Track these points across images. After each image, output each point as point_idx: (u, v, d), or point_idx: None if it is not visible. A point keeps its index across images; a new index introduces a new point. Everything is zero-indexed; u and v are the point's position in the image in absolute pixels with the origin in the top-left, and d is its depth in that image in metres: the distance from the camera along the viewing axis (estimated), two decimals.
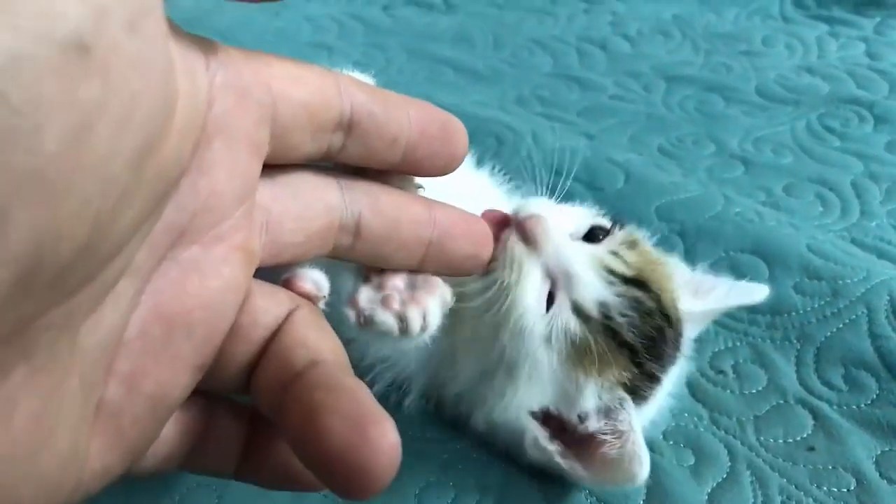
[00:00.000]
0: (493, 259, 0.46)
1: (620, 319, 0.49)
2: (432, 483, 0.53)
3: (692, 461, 0.54)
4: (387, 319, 0.39)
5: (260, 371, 0.31)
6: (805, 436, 0.56)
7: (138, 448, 0.28)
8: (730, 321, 0.64)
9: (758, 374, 0.61)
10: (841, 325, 0.62)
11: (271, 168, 0.32)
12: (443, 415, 0.56)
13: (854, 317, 0.62)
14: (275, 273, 0.35)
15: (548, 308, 0.49)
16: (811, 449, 0.55)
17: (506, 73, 1.10)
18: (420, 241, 0.37)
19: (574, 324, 0.49)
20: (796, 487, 0.52)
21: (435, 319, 0.41)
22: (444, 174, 0.38)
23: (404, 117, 0.35)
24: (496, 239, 0.46)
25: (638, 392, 0.50)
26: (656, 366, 0.51)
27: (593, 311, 0.49)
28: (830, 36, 1.16)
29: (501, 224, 0.49)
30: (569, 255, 0.50)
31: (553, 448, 0.50)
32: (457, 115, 0.38)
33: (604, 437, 0.48)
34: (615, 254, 0.52)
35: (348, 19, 1.28)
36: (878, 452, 0.54)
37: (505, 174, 0.68)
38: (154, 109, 0.22)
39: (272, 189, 0.32)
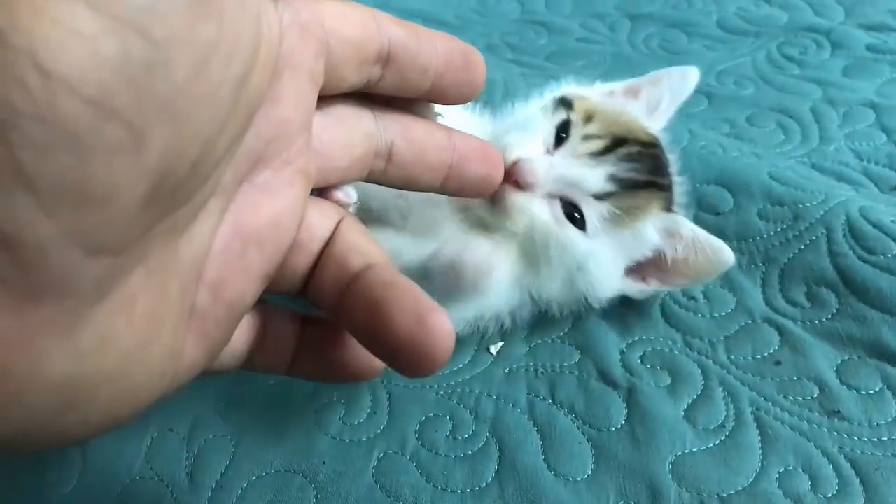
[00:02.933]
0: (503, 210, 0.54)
1: (629, 174, 0.56)
2: (430, 417, 0.57)
3: (668, 381, 0.59)
4: None
5: (319, 275, 0.35)
6: (772, 351, 0.60)
7: (218, 347, 0.32)
8: None
9: (726, 297, 0.65)
10: (802, 247, 0.66)
11: (319, 99, 0.35)
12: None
13: (814, 237, 0.66)
14: None
15: (572, 217, 0.56)
16: (778, 363, 0.59)
17: (475, 22, 1.12)
18: (443, 165, 0.41)
19: (601, 207, 0.56)
20: (765, 399, 0.57)
21: None
22: (466, 101, 0.42)
23: (432, 49, 0.38)
24: None
25: (671, 204, 0.60)
26: (667, 178, 0.61)
27: (609, 187, 0.55)
28: None
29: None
30: (562, 172, 0.55)
31: (653, 288, 0.60)
32: None
33: (682, 251, 0.58)
34: (587, 137, 0.57)
35: None
36: (839, 362, 0.59)
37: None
38: (250, 45, 0.26)
39: (321, 118, 0.36)
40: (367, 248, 0.36)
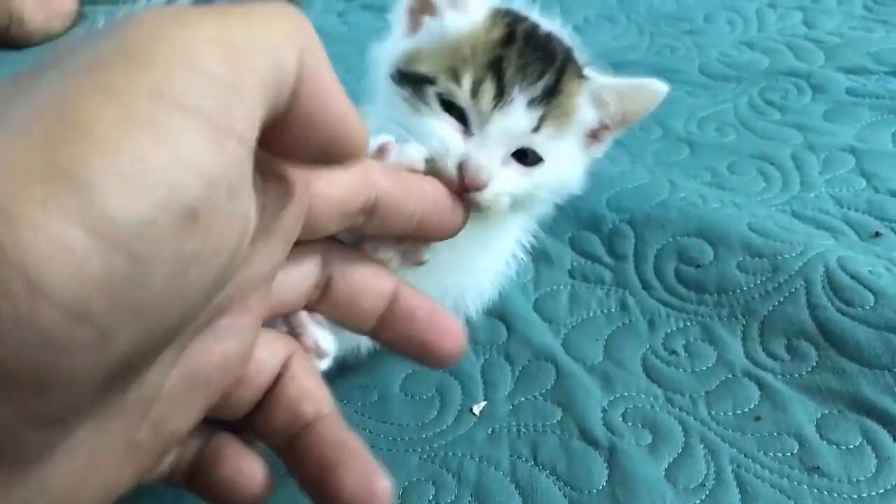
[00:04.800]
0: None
1: (537, 88, 0.52)
2: (413, 482, 0.58)
3: (649, 440, 0.59)
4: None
5: (268, 415, 0.36)
6: (752, 406, 0.61)
7: (148, 471, 0.33)
8: (679, 303, 0.69)
9: (707, 351, 0.65)
10: (782, 299, 0.66)
11: None
12: None
13: (793, 290, 0.66)
14: None
15: (528, 161, 0.54)
16: (758, 419, 0.60)
17: None
18: (375, 313, 0.40)
19: (544, 132, 0.53)
20: (745, 456, 0.57)
21: None
22: (449, 237, 0.42)
23: (420, 195, 0.39)
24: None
25: (581, 72, 0.57)
26: (559, 50, 0.56)
27: (537, 112, 0.52)
28: (769, 7, 1.20)
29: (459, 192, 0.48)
30: (495, 144, 0.51)
31: (612, 137, 0.61)
32: None
33: (616, 109, 0.58)
34: (473, 93, 0.51)
35: None
36: (819, 416, 0.59)
37: None
38: (232, 252, 0.26)
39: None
40: (318, 395, 0.36)
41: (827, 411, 0.60)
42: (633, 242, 0.75)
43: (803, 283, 0.66)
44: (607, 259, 0.75)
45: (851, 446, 0.57)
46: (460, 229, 0.42)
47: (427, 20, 0.57)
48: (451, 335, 0.39)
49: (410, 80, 0.53)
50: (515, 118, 0.51)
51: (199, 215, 0.23)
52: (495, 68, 0.52)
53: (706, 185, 0.83)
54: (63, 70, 0.23)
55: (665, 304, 0.69)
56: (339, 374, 0.65)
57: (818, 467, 0.56)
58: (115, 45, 0.23)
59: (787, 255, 0.69)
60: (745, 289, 0.68)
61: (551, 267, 0.74)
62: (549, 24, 0.59)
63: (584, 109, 0.56)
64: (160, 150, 0.22)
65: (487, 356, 0.66)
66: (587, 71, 0.58)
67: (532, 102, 0.52)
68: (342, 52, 1.23)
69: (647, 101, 0.59)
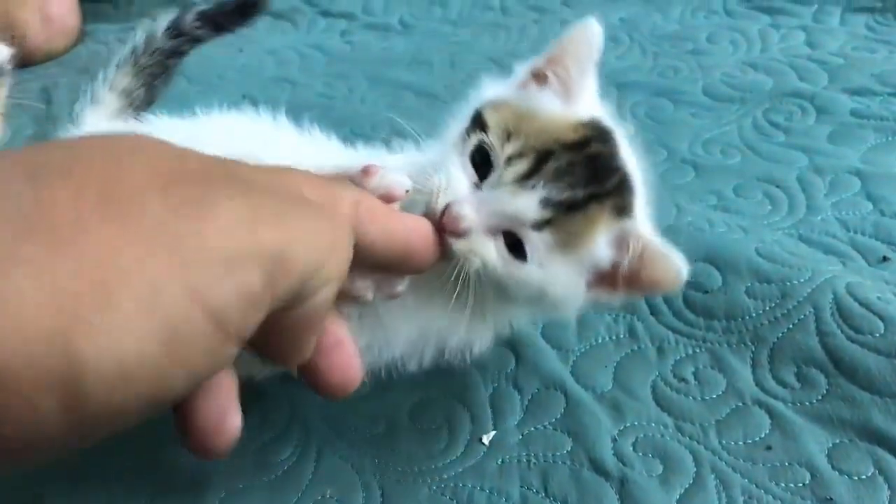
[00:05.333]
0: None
1: (564, 195, 0.51)
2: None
3: (660, 470, 0.59)
4: None
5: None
6: (763, 435, 0.60)
7: None
8: (688, 329, 0.69)
9: (717, 378, 0.65)
10: (791, 326, 0.66)
11: None
12: None
13: (802, 316, 0.66)
14: None
15: (520, 250, 0.52)
16: (769, 448, 0.59)
17: (465, 95, 1.13)
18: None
19: (544, 236, 0.51)
20: (757, 486, 0.57)
21: None
22: (419, 273, 0.46)
23: (404, 240, 0.43)
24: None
25: (623, 206, 0.54)
26: (613, 177, 0.53)
27: (546, 214, 0.51)
28: (772, 27, 1.21)
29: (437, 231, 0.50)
30: (491, 210, 0.51)
31: (618, 296, 0.55)
32: None
33: (638, 263, 0.53)
34: (509, 160, 0.52)
35: (309, 49, 1.32)
36: (830, 445, 0.59)
37: None
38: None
39: None
40: None
41: (838, 440, 0.59)
42: None
43: (812, 309, 0.66)
44: None
45: (864, 476, 0.57)
46: (430, 266, 0.45)
47: (534, 86, 0.58)
48: (348, 370, 0.42)
49: (475, 120, 0.55)
50: (523, 203, 0.51)
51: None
52: (542, 156, 0.51)
53: (712, 208, 0.83)
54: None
55: (674, 330, 0.69)
56: (347, 403, 0.64)
57: (831, 499, 0.56)
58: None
59: (795, 281, 0.68)
60: (754, 315, 0.68)
61: None
62: (632, 158, 0.58)
63: (600, 242, 0.53)
64: (162, 349, 0.26)
65: (496, 384, 0.66)
66: (633, 216, 0.55)
67: (547, 202, 0.50)
68: (345, 71, 1.24)
69: (663, 273, 0.53)
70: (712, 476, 0.58)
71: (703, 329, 0.69)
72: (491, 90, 0.60)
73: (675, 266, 0.52)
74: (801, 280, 0.68)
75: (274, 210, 0.31)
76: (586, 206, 0.52)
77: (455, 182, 0.52)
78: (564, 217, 0.51)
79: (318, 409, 0.65)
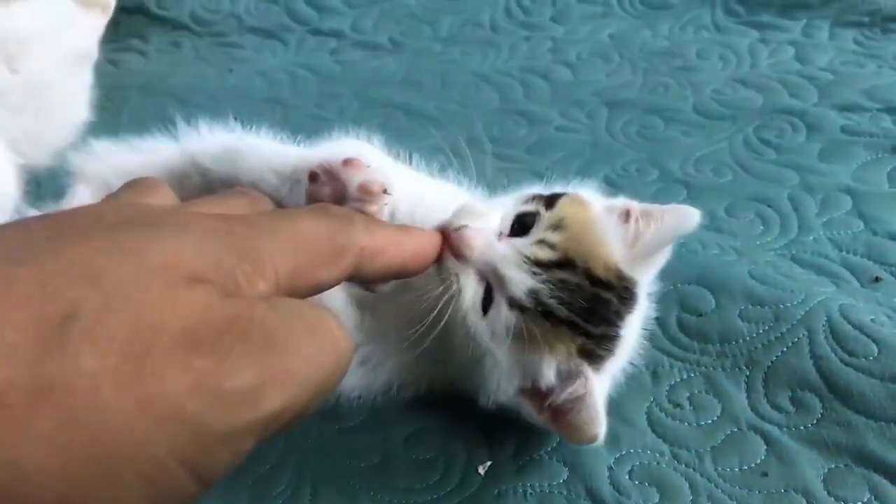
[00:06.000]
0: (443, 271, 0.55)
1: (551, 301, 0.54)
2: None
3: (657, 499, 0.59)
4: None
5: None
6: (759, 462, 0.60)
7: None
8: (682, 353, 0.69)
9: (712, 403, 0.65)
10: (785, 349, 0.66)
11: None
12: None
13: (796, 339, 0.66)
14: None
15: (488, 308, 0.55)
16: (765, 475, 0.59)
17: (456, 113, 1.13)
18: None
19: (511, 317, 0.54)
20: None
21: None
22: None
23: (399, 253, 0.43)
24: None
25: (595, 354, 0.56)
26: (604, 327, 0.56)
27: (526, 301, 0.54)
28: (761, 42, 1.21)
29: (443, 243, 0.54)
30: (494, 259, 0.55)
31: (541, 420, 0.57)
32: None
33: (571, 405, 0.55)
34: (541, 241, 0.56)
35: (300, 69, 1.31)
36: (825, 471, 0.59)
37: None
38: None
39: None
40: None
41: (833, 465, 0.59)
42: None
43: (806, 332, 0.66)
44: None
45: (860, 503, 0.57)
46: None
47: (616, 218, 0.60)
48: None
49: (551, 198, 0.60)
50: (519, 278, 0.54)
51: None
52: (566, 262, 0.55)
53: (705, 228, 0.83)
54: None
55: (668, 354, 0.69)
56: (341, 433, 0.64)
57: None
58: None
59: (788, 304, 0.68)
60: (748, 338, 0.68)
61: None
62: (633, 336, 0.61)
63: (551, 362, 0.55)
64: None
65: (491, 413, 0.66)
66: (597, 370, 0.56)
67: (533, 294, 0.54)
68: (335, 91, 1.24)
69: (585, 426, 0.55)
70: None
71: (698, 353, 0.69)
72: (586, 190, 0.64)
73: (597, 428, 0.54)
74: (795, 303, 0.68)
75: (280, 366, 0.30)
76: (559, 326, 0.54)
77: (489, 218, 0.56)
78: (538, 318, 0.54)
79: (313, 441, 0.64)
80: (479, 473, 0.61)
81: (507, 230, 0.57)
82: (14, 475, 0.23)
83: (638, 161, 0.96)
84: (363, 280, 0.41)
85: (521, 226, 0.57)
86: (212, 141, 0.68)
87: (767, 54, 1.18)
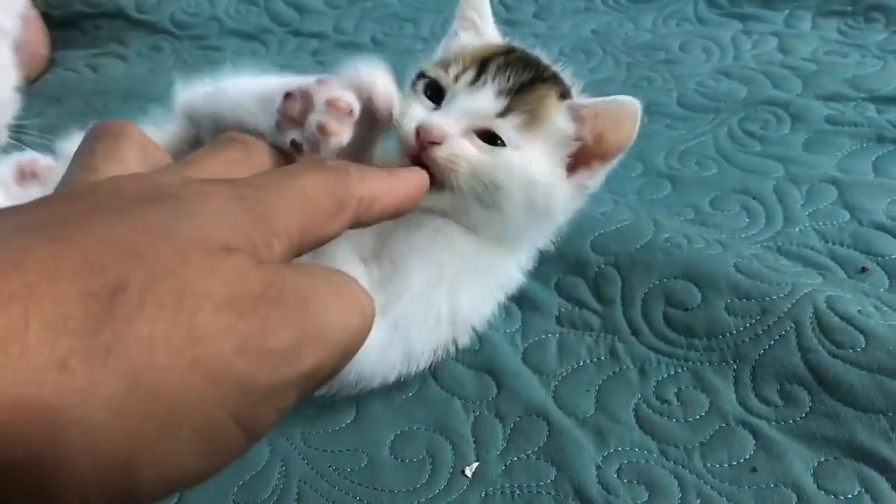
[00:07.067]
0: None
1: (511, 83, 0.61)
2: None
3: (646, 497, 0.58)
4: None
5: None
6: (748, 457, 0.60)
7: None
8: (669, 348, 0.68)
9: (700, 399, 0.65)
10: (772, 342, 0.66)
11: None
12: None
13: (783, 332, 0.66)
14: None
15: (494, 144, 0.60)
16: (754, 469, 0.59)
17: None
18: None
19: (509, 122, 0.60)
20: None
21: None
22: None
23: (395, 195, 0.44)
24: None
25: (567, 95, 0.65)
26: (547, 69, 0.66)
27: (503, 102, 0.60)
28: (744, 34, 1.21)
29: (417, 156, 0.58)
30: (458, 113, 0.60)
31: (597, 173, 0.65)
32: None
33: (593, 128, 0.62)
34: (456, 78, 0.61)
35: (281, 71, 1.30)
36: (815, 464, 0.59)
37: None
38: None
39: None
40: None
41: (823, 459, 0.59)
42: (620, 286, 0.74)
43: (793, 325, 0.66)
44: (595, 304, 0.74)
45: (850, 496, 0.56)
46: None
47: (457, 35, 0.70)
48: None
49: (419, 75, 0.64)
50: (481, 100, 0.60)
51: None
52: (482, 63, 0.61)
53: (689, 222, 0.82)
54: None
55: (655, 349, 0.69)
56: (326, 437, 0.64)
57: None
58: None
59: (775, 297, 0.68)
60: (735, 332, 0.67)
61: (538, 314, 0.73)
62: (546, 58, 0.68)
63: (558, 116, 0.62)
64: (205, 463, 0.29)
65: (477, 413, 0.65)
66: (574, 93, 0.66)
67: (502, 92, 0.60)
68: None
69: (623, 121, 0.61)
70: (698, 501, 0.57)
71: (685, 348, 0.68)
72: (423, 63, 0.68)
73: (627, 108, 0.61)
74: (781, 295, 0.68)
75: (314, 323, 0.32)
76: (533, 86, 0.61)
77: (416, 111, 0.60)
78: (520, 99, 0.60)
79: (298, 445, 0.63)
80: (466, 476, 0.61)
81: (430, 106, 0.62)
82: (82, 433, 0.25)
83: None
84: (360, 226, 0.43)
85: (433, 94, 0.63)
86: (200, 89, 0.68)
87: (750, 45, 1.17)
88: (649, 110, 1.03)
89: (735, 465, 0.59)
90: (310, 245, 0.37)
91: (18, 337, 0.25)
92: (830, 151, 0.91)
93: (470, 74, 0.61)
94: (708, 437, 0.62)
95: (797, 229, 0.80)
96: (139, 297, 0.27)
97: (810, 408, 0.62)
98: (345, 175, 0.40)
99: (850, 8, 1.20)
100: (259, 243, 0.33)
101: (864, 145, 0.91)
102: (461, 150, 0.58)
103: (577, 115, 0.62)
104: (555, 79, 0.65)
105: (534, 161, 0.60)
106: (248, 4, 1.48)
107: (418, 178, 0.49)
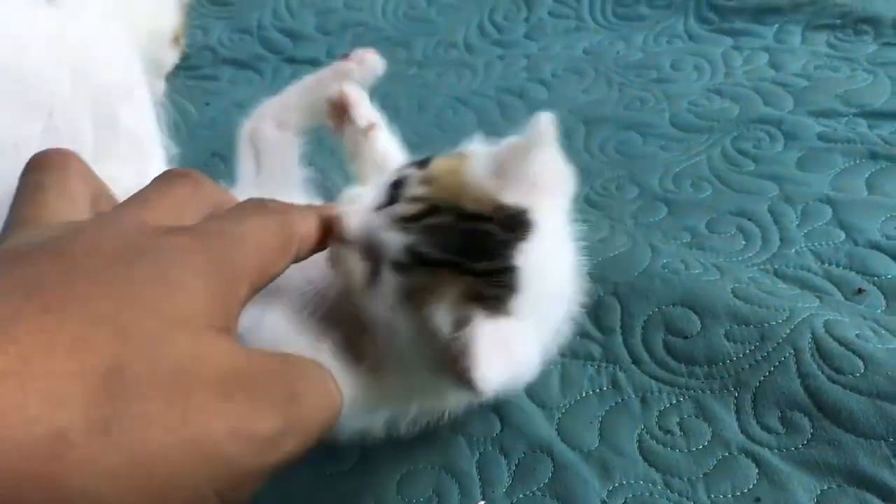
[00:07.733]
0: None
1: (426, 250, 0.50)
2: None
3: None
4: None
5: None
6: (751, 486, 0.60)
7: None
8: (670, 376, 0.69)
9: (702, 428, 0.65)
10: (772, 369, 0.66)
11: None
12: None
13: (783, 358, 0.66)
14: None
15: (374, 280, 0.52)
16: (757, 500, 0.59)
17: (434, 137, 1.13)
18: None
19: (396, 279, 0.51)
20: None
21: None
22: None
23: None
24: None
25: (486, 294, 0.50)
26: (487, 262, 0.51)
27: (404, 258, 0.51)
28: (735, 49, 1.21)
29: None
30: (365, 234, 0.53)
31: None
32: None
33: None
34: (412, 200, 0.53)
35: None
36: (818, 493, 0.59)
37: None
38: None
39: None
40: None
41: (826, 486, 0.59)
42: (619, 315, 0.74)
43: (792, 351, 0.66)
44: (595, 333, 0.74)
45: None
46: None
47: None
48: None
49: (423, 162, 0.58)
50: (391, 240, 0.52)
51: None
52: (431, 208, 0.53)
53: (686, 246, 0.83)
54: None
55: (656, 378, 0.69)
56: (332, 479, 0.64)
57: None
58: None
59: (773, 322, 0.68)
60: (735, 359, 0.68)
61: None
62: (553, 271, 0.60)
63: (440, 317, 0.50)
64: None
65: (482, 450, 0.66)
66: (506, 312, 0.51)
67: (409, 250, 0.51)
68: None
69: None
70: None
71: (686, 376, 0.69)
72: (470, 145, 0.61)
73: (476, 372, 0.46)
74: (780, 321, 0.68)
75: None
76: (440, 271, 0.50)
77: (364, 198, 0.56)
78: (420, 271, 0.50)
79: (304, 488, 0.64)
80: None
81: (383, 201, 0.55)
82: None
83: (617, 179, 0.96)
84: (298, 261, 0.46)
85: (396, 195, 0.55)
86: None
87: (741, 62, 1.18)
88: (644, 132, 1.04)
89: (739, 495, 0.60)
90: (264, 283, 0.40)
91: (19, 411, 0.26)
92: (823, 169, 0.91)
93: (414, 208, 0.53)
94: (711, 468, 0.62)
95: (793, 250, 0.80)
96: (134, 377, 0.29)
97: (812, 434, 0.62)
98: (286, 214, 0.44)
99: (839, 21, 1.20)
100: (232, 302, 0.36)
101: (857, 162, 0.91)
102: (348, 265, 0.54)
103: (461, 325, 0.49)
104: (486, 277, 0.51)
105: (397, 329, 0.53)
106: (241, 33, 1.48)
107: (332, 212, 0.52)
